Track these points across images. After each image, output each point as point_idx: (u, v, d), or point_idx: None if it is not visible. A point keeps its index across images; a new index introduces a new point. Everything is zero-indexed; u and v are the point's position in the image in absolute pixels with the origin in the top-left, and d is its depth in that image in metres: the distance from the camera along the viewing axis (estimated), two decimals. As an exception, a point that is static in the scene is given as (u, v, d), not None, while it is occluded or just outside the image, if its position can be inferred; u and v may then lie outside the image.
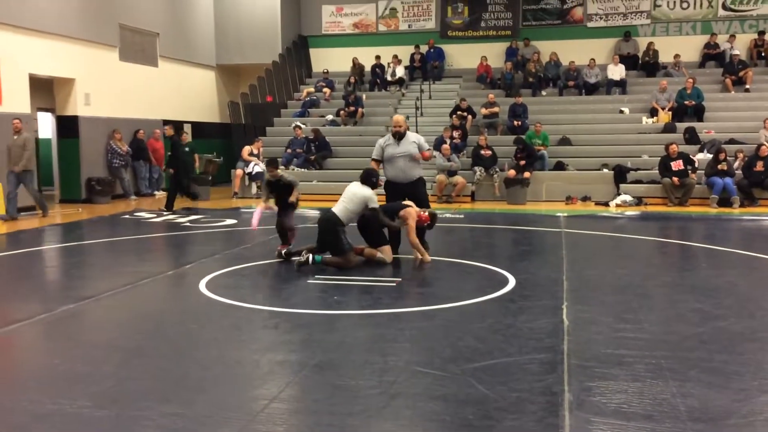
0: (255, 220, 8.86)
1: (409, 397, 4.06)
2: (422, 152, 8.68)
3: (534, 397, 4.04)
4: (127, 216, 13.43)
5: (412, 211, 8.21)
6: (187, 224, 12.09)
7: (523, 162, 15.46)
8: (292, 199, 8.59)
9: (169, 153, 14.71)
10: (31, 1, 14.41)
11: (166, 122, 17.42)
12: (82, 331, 5.76)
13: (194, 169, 15.80)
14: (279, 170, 8.84)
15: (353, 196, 8.05)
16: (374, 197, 8.07)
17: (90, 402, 4.02)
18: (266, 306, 6.24)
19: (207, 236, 10.98)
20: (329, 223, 7.96)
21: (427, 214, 8.32)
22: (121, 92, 17.24)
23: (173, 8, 19.50)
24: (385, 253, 8.18)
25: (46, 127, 19.17)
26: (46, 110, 18.35)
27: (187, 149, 14.93)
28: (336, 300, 6.58)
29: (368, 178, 8.17)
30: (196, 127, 20.63)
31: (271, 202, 8.93)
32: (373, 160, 8.84)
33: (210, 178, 17.49)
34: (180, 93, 19.77)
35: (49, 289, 7.48)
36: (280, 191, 8.73)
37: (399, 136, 8.68)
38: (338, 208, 8.03)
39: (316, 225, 8.23)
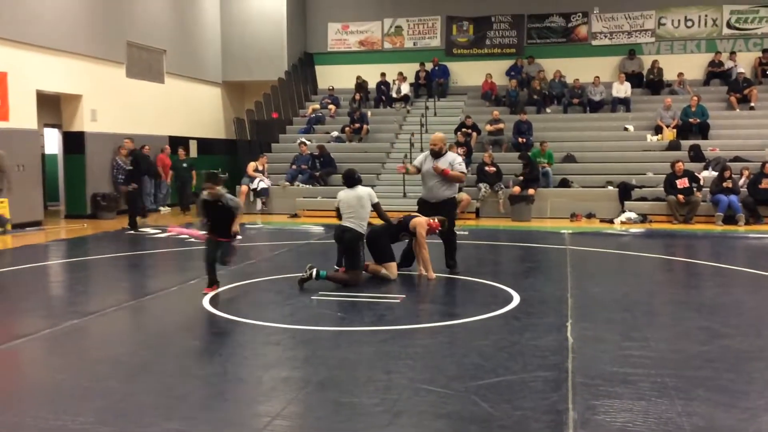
0: (179, 230, 8.44)
1: (413, 415, 4.04)
2: (445, 169, 8.47)
3: (538, 415, 4.02)
4: (132, 232, 13.45)
5: (421, 220, 8.20)
6: (192, 240, 12.09)
7: (521, 177, 15.48)
8: (235, 229, 7.30)
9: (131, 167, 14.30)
10: (40, 18, 14.55)
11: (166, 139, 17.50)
12: (87, 347, 5.75)
13: (191, 186, 15.93)
14: (220, 188, 7.30)
15: (358, 200, 7.91)
16: (373, 192, 8.10)
17: (93, 418, 4.01)
18: (269, 322, 6.22)
19: (211, 252, 10.97)
20: (354, 238, 7.81)
21: (437, 220, 8.31)
22: (128, 108, 17.34)
23: (180, 25, 19.66)
24: (390, 270, 8.16)
25: (52, 142, 19.26)
26: (53, 126, 18.44)
27: (185, 165, 15.16)
28: (340, 316, 6.57)
29: (351, 179, 8.05)
30: (202, 143, 20.73)
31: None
32: (413, 165, 8.95)
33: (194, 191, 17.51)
34: (186, 109, 19.88)
35: (53, 305, 7.48)
36: (218, 214, 7.29)
37: (435, 155, 8.57)
38: (352, 223, 7.88)
39: (336, 241, 8.14)
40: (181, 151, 15.82)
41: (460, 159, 8.80)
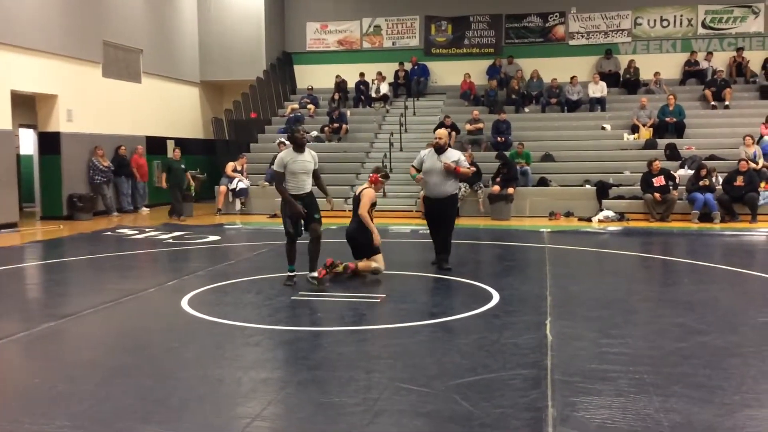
0: None
1: (394, 414, 4.04)
2: (457, 167, 8.58)
3: (518, 413, 4.03)
4: (109, 233, 13.33)
5: (369, 191, 8.35)
6: (170, 241, 12.01)
7: (498, 179, 15.52)
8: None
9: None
10: (14, 17, 14.34)
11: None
12: (63, 350, 5.68)
13: (187, 186, 15.91)
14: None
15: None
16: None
17: (69, 422, 3.96)
18: (249, 323, 6.19)
19: (190, 253, 10.91)
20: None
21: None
22: (104, 108, 17.16)
23: (157, 25, 19.49)
24: (379, 261, 8.21)
25: (27, 143, 19.01)
26: (28, 126, 18.20)
27: (183, 166, 15.31)
28: (319, 317, 6.55)
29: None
30: (180, 143, 20.51)
31: None
32: (412, 166, 9.00)
33: (193, 194, 17.43)
34: (164, 109, 19.71)
35: (29, 307, 7.38)
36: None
37: (439, 150, 8.64)
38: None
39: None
40: (176, 152, 15.63)
41: (464, 157, 8.97)
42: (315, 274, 7.64)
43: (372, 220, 8.25)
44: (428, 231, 9.24)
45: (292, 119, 20.08)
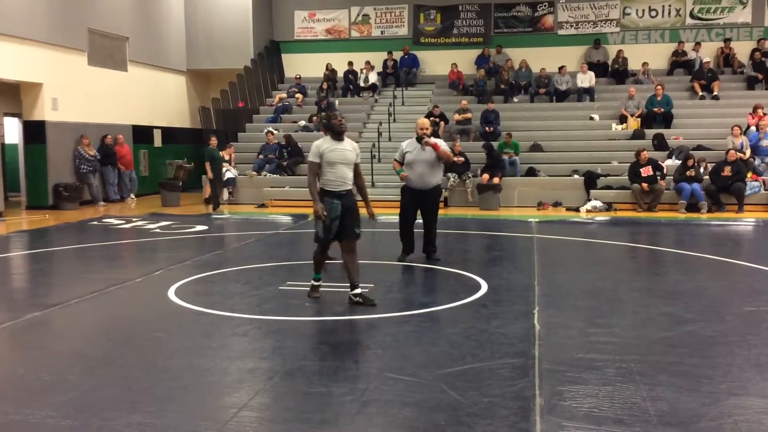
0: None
1: (382, 404, 4.03)
2: (436, 143, 8.33)
3: (506, 402, 4.04)
4: (95, 222, 13.24)
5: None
6: (157, 230, 11.94)
7: (486, 171, 15.51)
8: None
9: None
10: (-3, 4, 14.18)
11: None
12: (48, 340, 5.63)
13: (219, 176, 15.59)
14: None
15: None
16: None
17: (55, 412, 3.93)
18: (236, 313, 6.16)
19: (177, 243, 10.85)
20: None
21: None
22: (90, 97, 17.00)
23: (143, 12, 19.30)
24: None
25: (12, 132, 18.84)
26: (13, 115, 18.04)
27: (222, 157, 15.13)
28: (307, 306, 6.53)
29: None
30: (167, 132, 20.44)
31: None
32: (395, 161, 8.76)
33: (180, 183, 17.34)
34: (150, 98, 19.55)
35: (14, 297, 7.32)
36: None
37: (421, 140, 8.39)
38: None
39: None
40: (213, 140, 15.33)
41: (445, 144, 8.83)
42: (358, 291, 6.49)
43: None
44: (399, 221, 8.75)
45: (280, 108, 20.01)
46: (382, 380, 4.41)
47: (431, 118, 17.54)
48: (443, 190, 15.56)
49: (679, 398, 4.08)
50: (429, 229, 8.73)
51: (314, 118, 19.06)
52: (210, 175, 15.16)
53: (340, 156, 6.48)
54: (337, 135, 6.53)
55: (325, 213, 6.37)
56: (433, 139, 8.41)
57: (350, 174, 6.56)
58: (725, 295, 7.02)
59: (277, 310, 6.36)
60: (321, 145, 6.50)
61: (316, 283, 6.77)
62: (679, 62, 20.01)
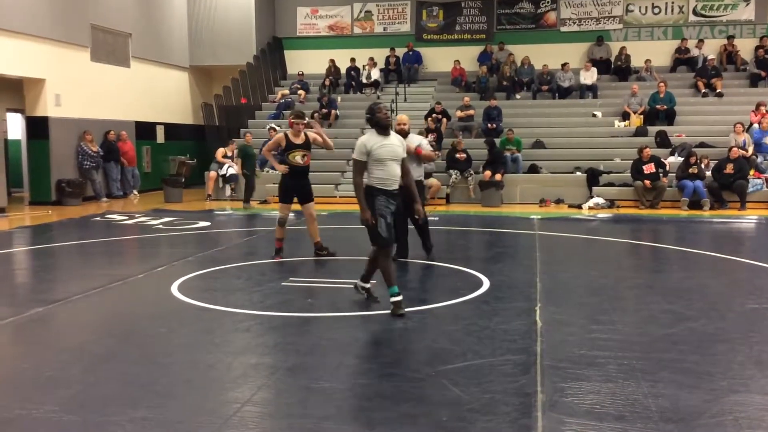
0: None
1: (384, 400, 4.04)
2: (417, 148, 8.30)
3: (507, 398, 4.05)
4: (98, 218, 13.26)
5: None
6: (160, 226, 11.96)
7: (488, 168, 15.50)
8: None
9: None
10: (1, 1, 14.16)
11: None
12: (51, 335, 5.66)
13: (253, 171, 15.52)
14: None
15: None
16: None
17: (58, 407, 3.95)
18: (239, 309, 6.18)
19: (180, 239, 10.87)
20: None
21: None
22: (93, 93, 17.01)
23: (146, 9, 19.30)
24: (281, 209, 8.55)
25: (15, 128, 18.86)
26: (16, 111, 18.06)
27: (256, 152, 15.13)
28: (309, 302, 6.54)
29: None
30: (169, 128, 20.45)
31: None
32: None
33: (183, 180, 17.36)
34: (152, 94, 19.57)
35: (17, 292, 7.34)
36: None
37: (403, 136, 8.05)
38: None
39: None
40: (248, 137, 15.30)
41: (425, 141, 8.79)
42: (369, 285, 6.36)
43: (285, 162, 8.49)
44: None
45: (282, 105, 20.01)
46: (383, 376, 4.42)
47: (434, 115, 17.59)
48: (444, 186, 15.66)
49: (680, 395, 4.08)
50: (418, 228, 8.69)
51: (316, 114, 19.04)
52: (241, 171, 15.32)
53: (389, 152, 6.04)
54: (383, 129, 6.08)
55: (373, 220, 5.92)
56: (414, 143, 8.39)
57: (399, 170, 6.14)
58: (727, 292, 7.02)
59: (280, 306, 6.37)
60: (368, 141, 6.04)
61: (397, 299, 5.89)
62: (682, 59, 19.99)
